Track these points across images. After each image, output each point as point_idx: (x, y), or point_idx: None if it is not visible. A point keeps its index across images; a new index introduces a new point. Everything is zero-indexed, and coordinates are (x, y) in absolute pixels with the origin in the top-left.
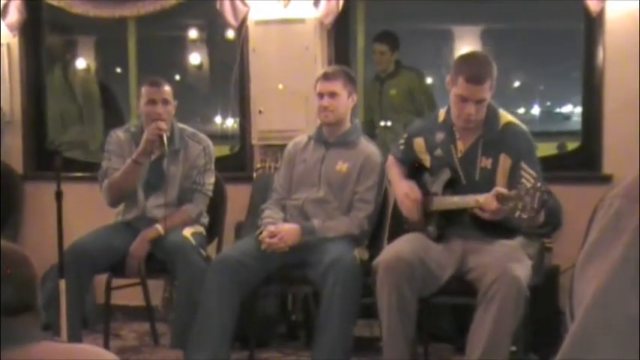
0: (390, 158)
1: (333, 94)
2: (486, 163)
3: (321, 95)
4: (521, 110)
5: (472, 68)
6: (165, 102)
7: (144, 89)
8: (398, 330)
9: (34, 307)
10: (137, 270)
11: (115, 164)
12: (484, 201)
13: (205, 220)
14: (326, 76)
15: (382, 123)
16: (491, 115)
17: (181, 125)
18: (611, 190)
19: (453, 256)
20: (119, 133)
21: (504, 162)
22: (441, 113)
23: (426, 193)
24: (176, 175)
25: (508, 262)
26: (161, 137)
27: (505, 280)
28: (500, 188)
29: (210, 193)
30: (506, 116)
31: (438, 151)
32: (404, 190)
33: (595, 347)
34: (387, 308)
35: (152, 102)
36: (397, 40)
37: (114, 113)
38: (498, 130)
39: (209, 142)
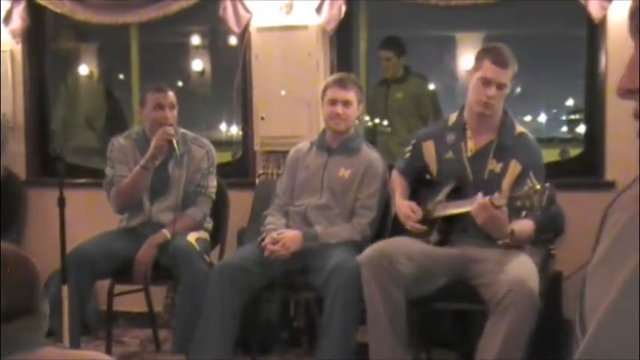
0: (394, 172)
1: (347, 103)
2: (496, 166)
3: (334, 102)
4: (528, 118)
5: (499, 52)
6: (172, 107)
7: (149, 95)
8: (384, 328)
9: (35, 311)
10: (144, 276)
11: (120, 171)
12: (473, 210)
13: (209, 224)
14: (342, 84)
15: (386, 125)
16: (508, 121)
17: (183, 130)
18: (622, 194)
19: (452, 260)
20: (120, 140)
21: (514, 167)
22: (452, 117)
23: (426, 205)
24: (180, 179)
25: (521, 274)
26: (170, 142)
27: (520, 293)
28: (495, 197)
29: (214, 196)
30: (520, 127)
31: (449, 154)
32: (405, 212)
33: (609, 356)
34: (370, 303)
35: (160, 107)
36: (403, 46)
37: (117, 120)
38: (514, 137)
39: (211, 146)
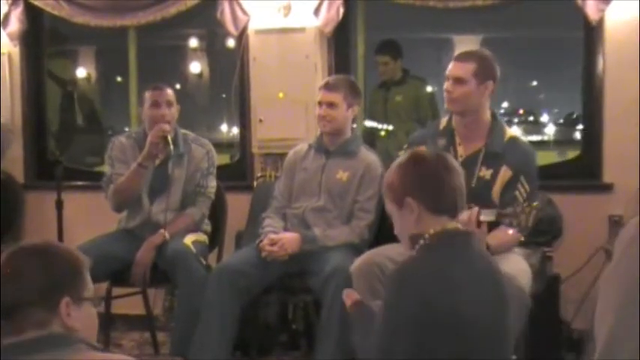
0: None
1: (331, 105)
2: (485, 173)
3: (320, 104)
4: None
5: (464, 51)
6: (169, 104)
7: (147, 93)
8: None
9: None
10: (142, 278)
11: (120, 170)
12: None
13: (208, 227)
14: (327, 86)
15: (385, 130)
16: (497, 127)
17: (184, 131)
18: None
19: None
20: (121, 139)
21: (505, 173)
22: (443, 121)
23: None
24: (180, 178)
25: (510, 271)
26: (165, 138)
27: (509, 290)
28: (483, 213)
29: (213, 196)
30: (511, 131)
31: None
32: None
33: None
34: None
35: (155, 104)
36: (399, 48)
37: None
38: (504, 143)
39: (211, 146)
